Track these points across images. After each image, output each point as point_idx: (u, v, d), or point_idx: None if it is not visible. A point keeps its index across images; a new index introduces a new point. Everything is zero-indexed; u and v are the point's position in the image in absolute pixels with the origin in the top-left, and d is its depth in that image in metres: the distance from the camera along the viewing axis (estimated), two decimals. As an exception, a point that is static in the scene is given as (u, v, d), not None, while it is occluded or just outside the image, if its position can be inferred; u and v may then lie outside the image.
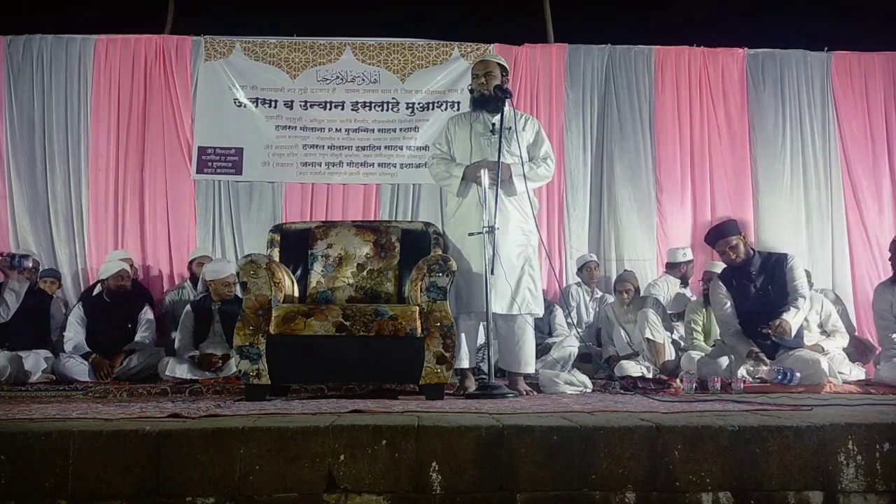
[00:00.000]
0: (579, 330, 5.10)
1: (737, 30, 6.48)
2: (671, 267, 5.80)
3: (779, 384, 3.72)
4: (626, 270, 5.56)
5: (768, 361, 3.90)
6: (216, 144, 6.08)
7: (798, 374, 3.73)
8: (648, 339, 4.82)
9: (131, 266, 5.46)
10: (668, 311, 5.24)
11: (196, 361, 4.70)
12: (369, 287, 3.72)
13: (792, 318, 3.92)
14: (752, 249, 4.22)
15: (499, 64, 3.88)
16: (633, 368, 4.71)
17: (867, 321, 5.80)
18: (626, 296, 5.15)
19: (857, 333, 5.42)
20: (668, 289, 5.57)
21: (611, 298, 5.52)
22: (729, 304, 4.16)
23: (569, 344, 4.83)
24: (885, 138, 6.31)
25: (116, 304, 4.98)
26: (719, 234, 4.22)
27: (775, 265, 4.13)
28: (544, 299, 5.01)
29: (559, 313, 5.18)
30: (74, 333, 4.87)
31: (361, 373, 3.35)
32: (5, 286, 4.69)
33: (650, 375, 4.63)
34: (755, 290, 4.09)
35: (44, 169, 5.98)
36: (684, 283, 5.67)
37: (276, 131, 6.13)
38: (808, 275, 5.06)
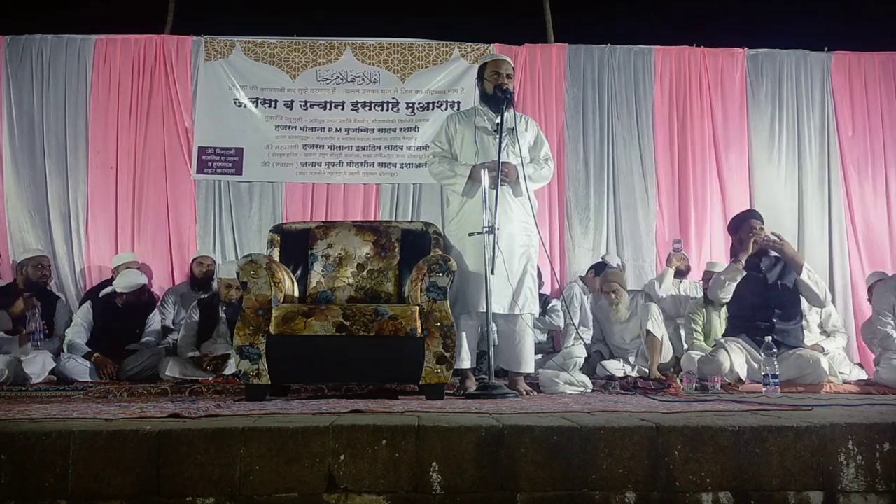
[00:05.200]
0: (582, 335, 5.07)
1: (737, 30, 6.48)
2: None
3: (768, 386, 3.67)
4: (609, 269, 5.38)
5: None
6: (216, 144, 6.09)
7: (779, 384, 3.64)
8: (648, 332, 4.73)
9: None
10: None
11: (195, 361, 4.71)
12: (369, 287, 3.72)
13: (812, 283, 4.02)
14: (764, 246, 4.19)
15: (513, 67, 3.95)
16: (616, 368, 4.70)
17: (861, 322, 5.81)
18: (613, 296, 5.02)
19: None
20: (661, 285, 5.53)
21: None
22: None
23: (577, 352, 4.82)
24: (884, 138, 6.31)
25: (128, 310, 5.01)
26: (750, 215, 4.25)
27: (785, 263, 4.12)
28: (541, 294, 5.06)
29: (554, 302, 5.20)
30: (74, 335, 4.86)
31: (361, 373, 3.35)
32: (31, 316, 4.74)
33: (634, 375, 4.59)
34: (767, 284, 4.07)
35: (43, 168, 5.97)
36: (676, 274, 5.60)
37: (276, 131, 6.14)
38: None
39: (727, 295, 4.12)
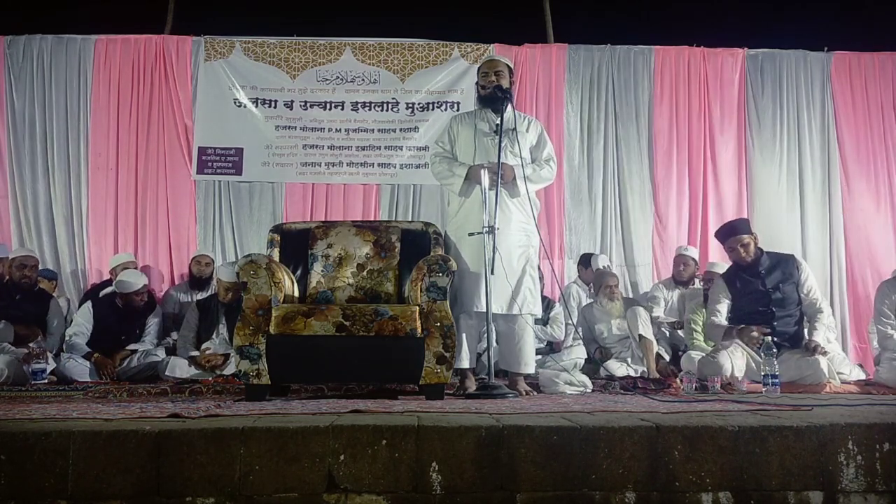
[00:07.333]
0: (580, 330, 5.09)
1: (737, 30, 6.48)
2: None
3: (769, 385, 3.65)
4: (604, 267, 5.48)
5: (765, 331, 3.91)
6: (216, 144, 6.09)
7: (779, 384, 3.63)
8: (641, 336, 4.77)
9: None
10: (670, 320, 5.25)
11: (195, 361, 4.71)
12: (369, 287, 3.72)
13: (822, 338, 4.02)
14: (760, 249, 4.22)
15: (507, 65, 3.90)
16: (618, 368, 4.70)
17: (862, 321, 5.81)
18: (615, 291, 5.08)
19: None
20: (665, 293, 5.54)
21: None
22: (725, 303, 4.14)
23: (577, 353, 4.82)
24: (884, 139, 6.30)
25: (128, 310, 5.01)
26: (732, 231, 4.22)
27: (784, 266, 4.14)
28: (543, 296, 5.06)
29: (557, 309, 5.18)
30: (74, 335, 4.86)
31: (361, 373, 3.35)
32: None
33: (636, 376, 4.60)
34: (764, 288, 4.08)
35: (44, 169, 5.98)
36: (679, 282, 5.60)
37: (276, 131, 6.13)
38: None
39: (719, 308, 4.20)
